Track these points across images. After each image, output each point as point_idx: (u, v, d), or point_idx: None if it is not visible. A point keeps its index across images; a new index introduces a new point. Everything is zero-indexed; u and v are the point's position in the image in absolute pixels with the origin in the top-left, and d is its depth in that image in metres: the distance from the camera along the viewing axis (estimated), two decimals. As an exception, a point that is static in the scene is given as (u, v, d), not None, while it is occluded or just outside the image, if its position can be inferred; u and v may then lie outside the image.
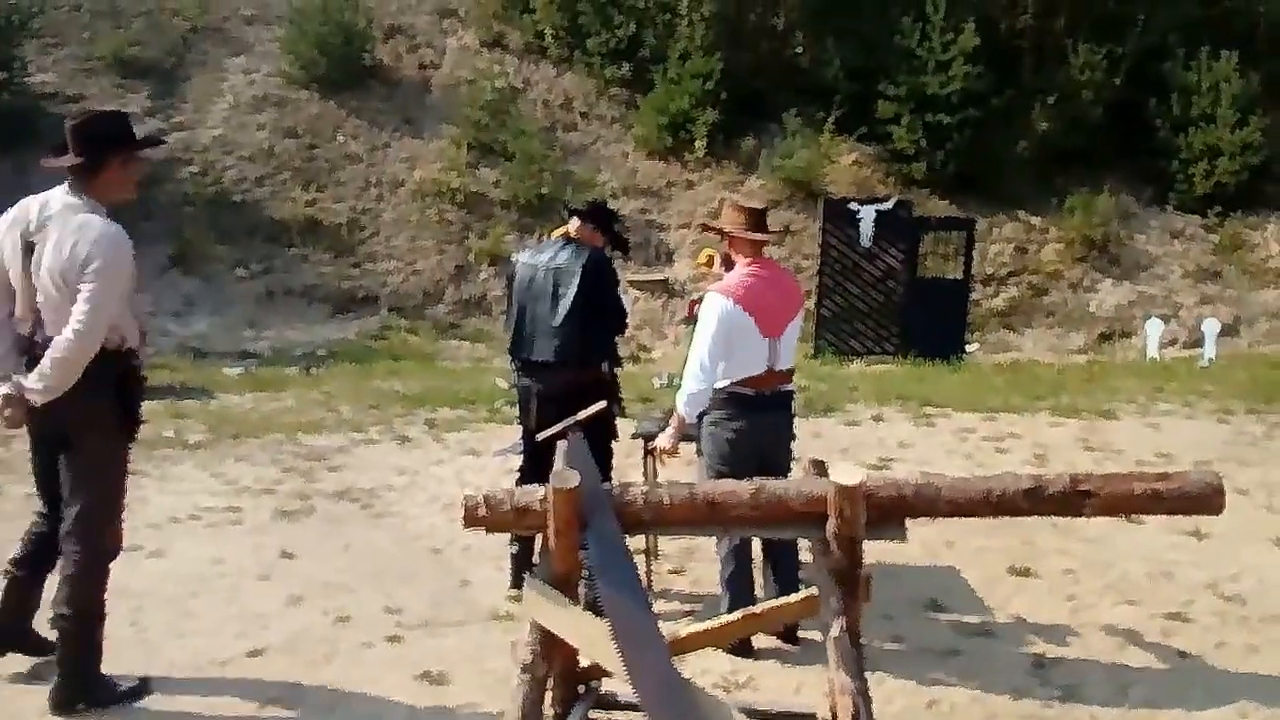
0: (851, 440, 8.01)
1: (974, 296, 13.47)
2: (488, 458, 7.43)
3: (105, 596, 3.84)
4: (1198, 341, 12.85)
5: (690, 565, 5.38)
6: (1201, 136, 14.95)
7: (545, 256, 4.81)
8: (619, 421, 5.04)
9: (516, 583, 4.83)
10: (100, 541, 3.77)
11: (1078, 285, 14.50)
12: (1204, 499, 2.70)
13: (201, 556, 5.38)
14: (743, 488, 3.08)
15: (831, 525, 2.91)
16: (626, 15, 15.90)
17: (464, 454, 7.60)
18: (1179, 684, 4.09)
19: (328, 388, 9.95)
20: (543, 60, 16.81)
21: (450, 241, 14.35)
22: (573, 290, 4.64)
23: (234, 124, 15.28)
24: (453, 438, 8.05)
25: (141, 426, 3.92)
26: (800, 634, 4.39)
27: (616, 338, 4.97)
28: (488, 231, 14.34)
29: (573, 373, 4.66)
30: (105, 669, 3.88)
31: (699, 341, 4.29)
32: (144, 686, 3.93)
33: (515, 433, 7.85)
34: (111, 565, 3.86)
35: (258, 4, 17.13)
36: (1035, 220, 15.08)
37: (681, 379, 4.41)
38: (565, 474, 3.07)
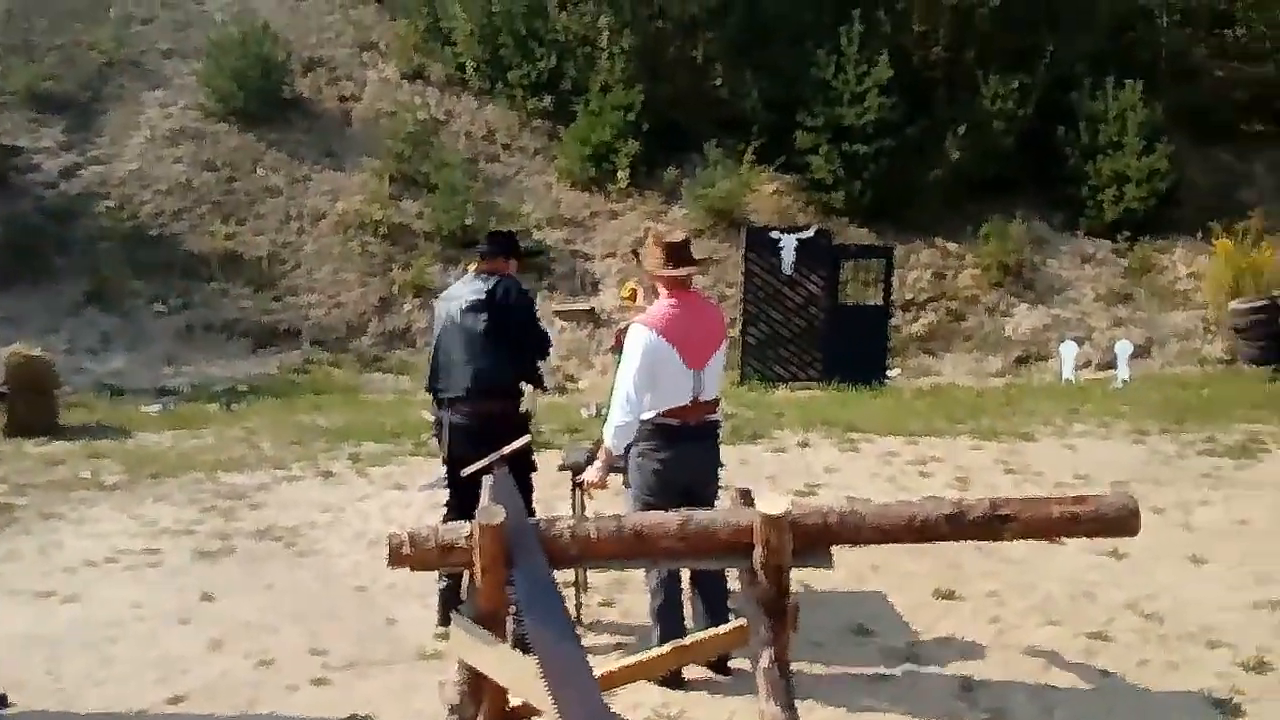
0: (779, 466, 8.06)
1: (894, 322, 13.70)
2: (414, 492, 7.34)
3: None
4: (1111, 363, 13.18)
5: (620, 597, 5.35)
6: (1109, 164, 15.42)
7: (459, 290, 4.86)
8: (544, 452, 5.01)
9: (444, 620, 4.75)
10: None
11: (994, 310, 14.83)
12: (1120, 521, 2.78)
13: (119, 600, 5.26)
14: (670, 519, 3.07)
15: (758, 555, 2.92)
16: (547, 48, 16.06)
17: (390, 488, 7.50)
18: (1102, 704, 4.15)
19: (249, 424, 9.77)
20: (464, 92, 16.90)
21: (373, 274, 14.25)
22: (483, 322, 4.67)
23: (150, 157, 15.05)
24: (378, 472, 7.94)
25: None
26: (731, 663, 4.38)
27: (541, 362, 4.95)
28: (412, 263, 14.26)
29: (486, 404, 4.66)
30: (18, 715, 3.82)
31: (623, 374, 4.27)
32: None
33: (442, 466, 7.82)
34: None
35: (174, 38, 17.00)
36: (951, 247, 15.43)
37: (607, 408, 4.40)
38: (491, 510, 3.04)
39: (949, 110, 15.74)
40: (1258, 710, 4.06)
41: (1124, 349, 12.88)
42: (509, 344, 4.69)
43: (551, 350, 5.27)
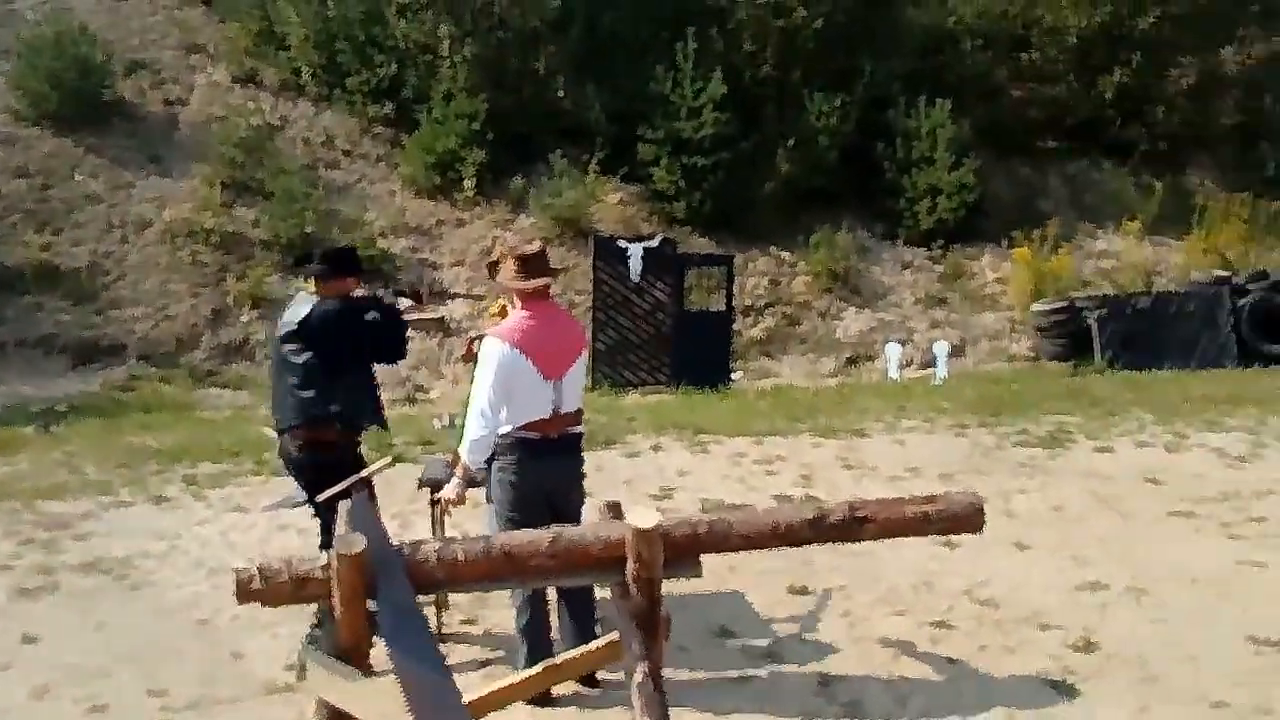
0: (633, 472, 8.07)
1: (735, 327, 14.08)
2: (256, 514, 7.03)
3: None
4: (930, 362, 13.96)
5: (483, 613, 5.27)
6: (924, 177, 16.36)
7: (287, 314, 4.69)
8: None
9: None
10: None
11: (825, 314, 15.47)
12: (967, 518, 2.98)
13: (-74, 649, 4.82)
14: (539, 536, 3.08)
15: (631, 568, 2.96)
16: (387, 55, 15.82)
17: (230, 511, 7.13)
18: (950, 690, 4.36)
19: (70, 447, 9.12)
20: (300, 98, 16.47)
21: (206, 284, 13.68)
22: (298, 352, 4.55)
23: (-47, 164, 14.01)
24: (216, 495, 7.54)
25: None
26: (598, 675, 4.37)
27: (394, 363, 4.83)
28: (248, 273, 13.77)
29: (313, 433, 4.57)
30: None
31: (478, 387, 4.21)
32: None
33: (287, 485, 7.51)
34: None
35: (-19, 38, 15.87)
36: (785, 255, 16.02)
37: (460, 419, 4.34)
38: (350, 538, 2.96)
39: (778, 126, 16.36)
40: (1090, 689, 4.34)
41: (942, 349, 13.66)
42: (328, 373, 4.54)
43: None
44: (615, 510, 3.37)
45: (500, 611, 5.10)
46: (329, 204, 14.76)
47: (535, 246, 4.43)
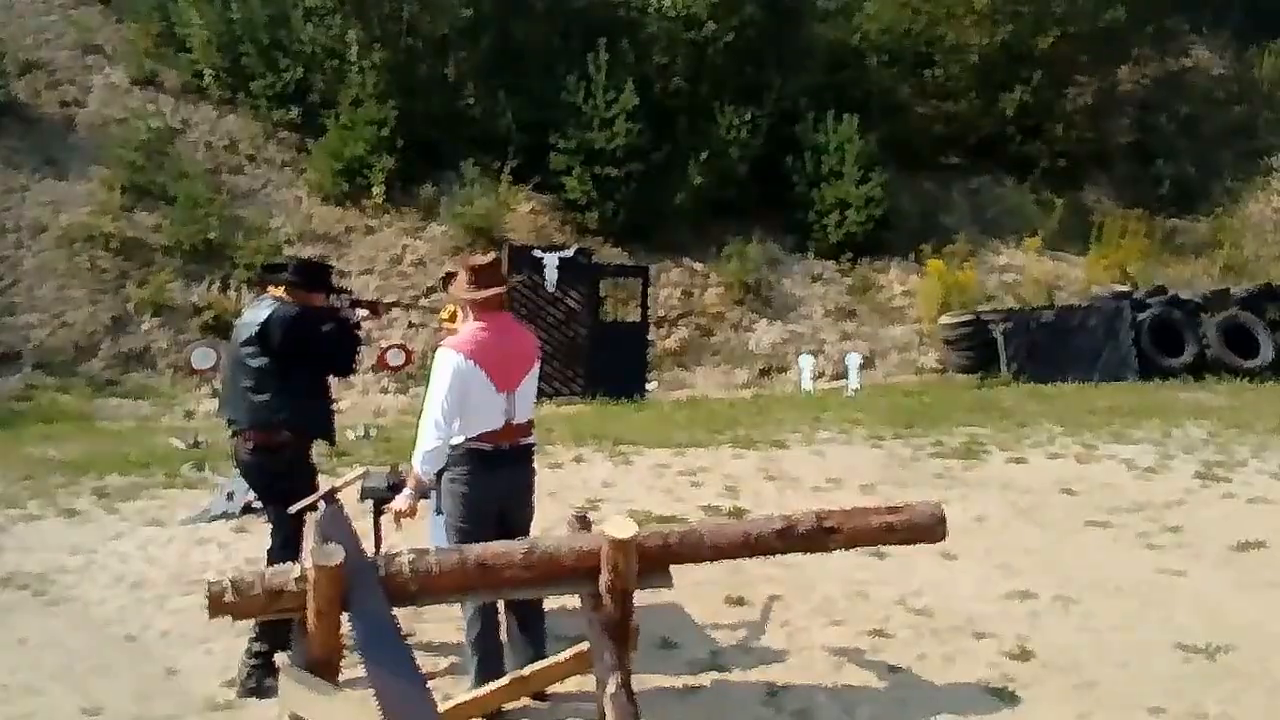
0: (558, 483, 7.99)
1: (649, 337, 14.19)
2: (174, 528, 6.85)
3: None
4: (841, 374, 14.25)
5: (419, 626, 5.19)
6: (832, 191, 16.78)
7: (246, 316, 4.70)
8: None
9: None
10: None
11: (738, 325, 15.73)
12: (929, 528, 3.11)
13: None
14: (513, 548, 3.11)
15: (605, 579, 3.02)
16: (293, 59, 15.56)
17: (146, 525, 6.93)
18: (896, 699, 4.42)
19: (-33, 459, 8.73)
20: (203, 101, 16.10)
21: (105, 291, 13.24)
22: (256, 356, 4.54)
23: None
24: (130, 508, 7.32)
25: None
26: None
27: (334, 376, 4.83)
28: (149, 279, 13.38)
29: (255, 437, 4.55)
30: None
31: (432, 398, 4.21)
32: None
33: (203, 498, 7.32)
34: None
35: None
36: (698, 266, 16.24)
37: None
38: (327, 550, 2.95)
39: (690, 138, 16.59)
40: (1030, 696, 4.42)
41: (854, 360, 13.92)
42: (282, 377, 4.53)
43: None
44: (583, 523, 3.42)
45: (437, 624, 5.07)
46: (233, 210, 14.47)
47: (488, 257, 4.47)
